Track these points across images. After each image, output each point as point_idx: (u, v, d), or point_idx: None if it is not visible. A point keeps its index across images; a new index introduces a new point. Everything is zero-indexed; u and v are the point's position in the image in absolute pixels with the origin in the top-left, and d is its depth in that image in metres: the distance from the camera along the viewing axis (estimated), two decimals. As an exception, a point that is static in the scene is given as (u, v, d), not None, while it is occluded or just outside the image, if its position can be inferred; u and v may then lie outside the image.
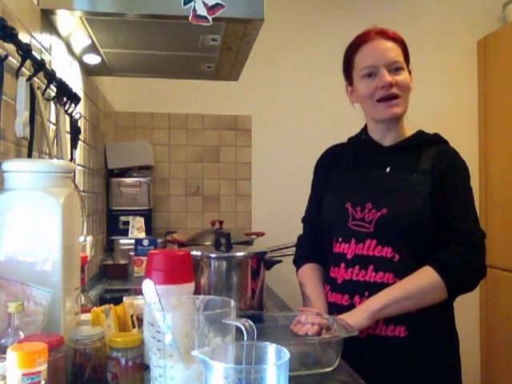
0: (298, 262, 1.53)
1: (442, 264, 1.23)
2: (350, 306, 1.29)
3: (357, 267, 1.30)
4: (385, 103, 1.33)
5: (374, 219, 1.29)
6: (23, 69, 1.28)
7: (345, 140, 1.55)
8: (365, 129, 1.48)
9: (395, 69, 1.33)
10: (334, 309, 1.34)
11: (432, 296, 1.25)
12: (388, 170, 1.35)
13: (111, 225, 2.72)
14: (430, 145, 1.37)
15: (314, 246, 1.49)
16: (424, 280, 1.24)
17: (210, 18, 1.45)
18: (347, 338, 1.07)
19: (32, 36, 1.43)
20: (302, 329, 1.20)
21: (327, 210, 1.42)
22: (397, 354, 1.26)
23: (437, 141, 1.40)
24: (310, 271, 1.47)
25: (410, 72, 1.38)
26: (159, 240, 2.52)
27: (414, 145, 1.37)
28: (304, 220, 1.55)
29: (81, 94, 2.06)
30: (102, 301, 1.69)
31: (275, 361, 0.66)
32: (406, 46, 1.38)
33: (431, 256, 1.26)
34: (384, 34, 1.36)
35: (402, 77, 1.33)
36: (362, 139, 1.46)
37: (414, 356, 1.26)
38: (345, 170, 1.41)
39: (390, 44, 1.34)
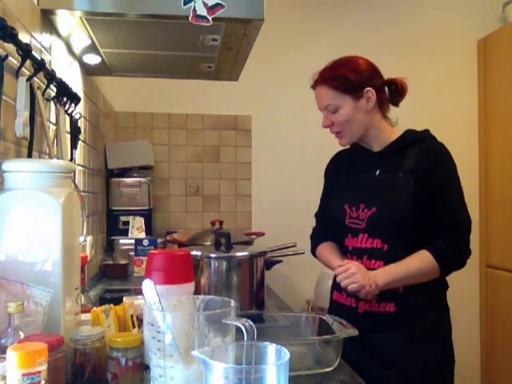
0: (315, 245, 1.68)
1: (438, 250, 1.44)
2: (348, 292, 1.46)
3: (354, 257, 1.51)
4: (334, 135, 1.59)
5: (366, 217, 1.49)
6: (23, 69, 1.28)
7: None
8: None
9: (331, 111, 1.53)
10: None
11: (427, 275, 1.46)
12: (377, 173, 1.53)
13: (111, 225, 2.72)
14: (414, 143, 1.52)
15: (327, 233, 1.66)
16: (423, 262, 1.45)
17: (210, 18, 1.45)
18: (349, 320, 1.20)
19: (32, 36, 1.43)
20: (345, 281, 1.39)
21: (331, 210, 1.61)
22: (388, 326, 1.46)
23: (422, 138, 1.54)
24: (326, 245, 1.63)
25: (365, 92, 1.49)
26: (159, 240, 2.53)
27: (399, 147, 1.53)
28: (317, 215, 1.74)
29: (81, 94, 2.06)
30: (101, 301, 1.69)
31: (275, 361, 0.67)
32: (344, 78, 1.49)
33: (429, 242, 1.45)
34: (322, 79, 1.53)
35: (338, 115, 1.52)
36: (356, 146, 1.61)
37: (403, 326, 1.46)
38: (345, 175, 1.62)
39: (323, 90, 1.53)
